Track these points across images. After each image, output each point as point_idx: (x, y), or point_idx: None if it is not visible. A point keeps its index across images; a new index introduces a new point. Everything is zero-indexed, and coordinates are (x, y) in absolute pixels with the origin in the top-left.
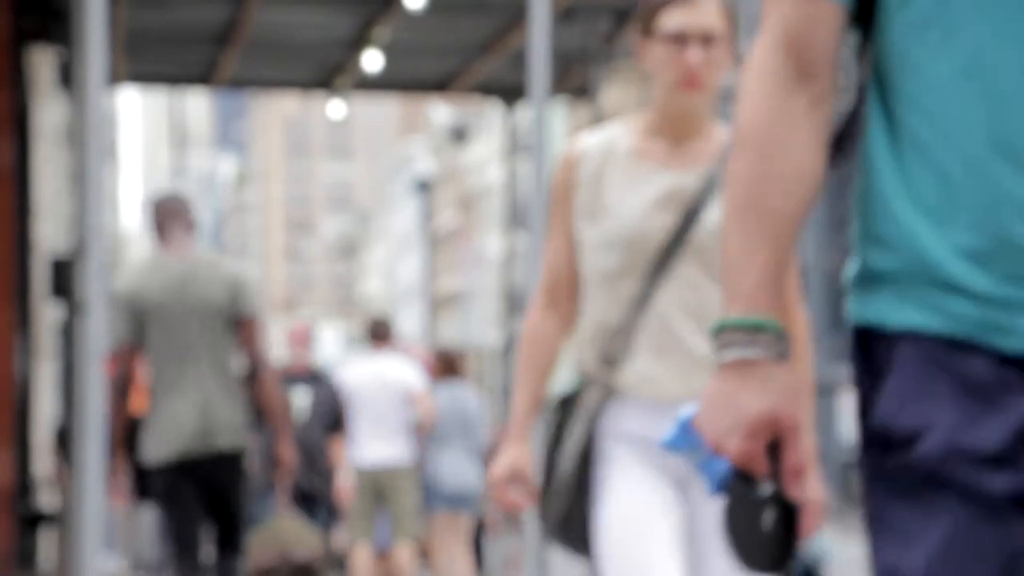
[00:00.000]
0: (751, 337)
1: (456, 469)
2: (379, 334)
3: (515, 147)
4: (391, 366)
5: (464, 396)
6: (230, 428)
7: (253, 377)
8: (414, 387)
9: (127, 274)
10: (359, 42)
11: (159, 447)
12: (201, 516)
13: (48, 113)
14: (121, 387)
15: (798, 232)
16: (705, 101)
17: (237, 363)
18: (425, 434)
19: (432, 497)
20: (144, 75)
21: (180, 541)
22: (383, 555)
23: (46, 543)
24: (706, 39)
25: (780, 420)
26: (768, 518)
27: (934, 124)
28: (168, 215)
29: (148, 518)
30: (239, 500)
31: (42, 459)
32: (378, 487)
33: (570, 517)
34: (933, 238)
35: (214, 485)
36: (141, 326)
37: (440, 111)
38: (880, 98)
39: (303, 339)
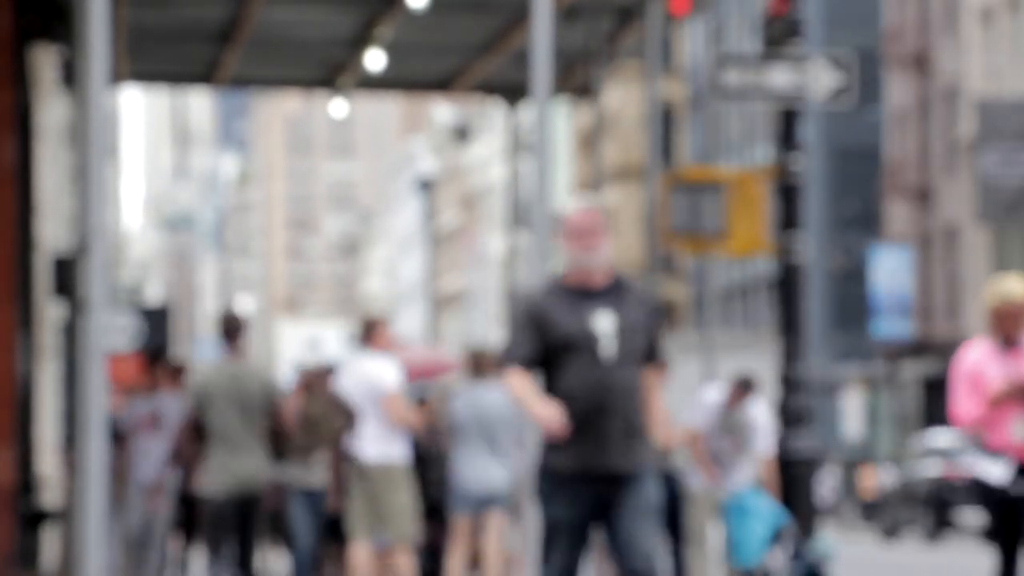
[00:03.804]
0: None
1: (479, 471)
2: (365, 333)
3: (517, 146)
4: (373, 366)
5: (487, 396)
6: (256, 478)
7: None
8: (386, 389)
9: (200, 373)
10: (361, 41)
11: (212, 485)
12: (232, 534)
13: (50, 112)
14: (183, 451)
15: None
16: None
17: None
18: (413, 435)
19: (455, 500)
20: (146, 74)
21: (214, 548)
22: (382, 555)
23: (48, 541)
24: None
25: None
26: None
27: None
28: (231, 328)
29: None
30: (255, 527)
31: (44, 457)
32: (370, 485)
33: None
34: None
35: (241, 514)
36: (205, 408)
37: (442, 110)
38: None
39: (590, 230)
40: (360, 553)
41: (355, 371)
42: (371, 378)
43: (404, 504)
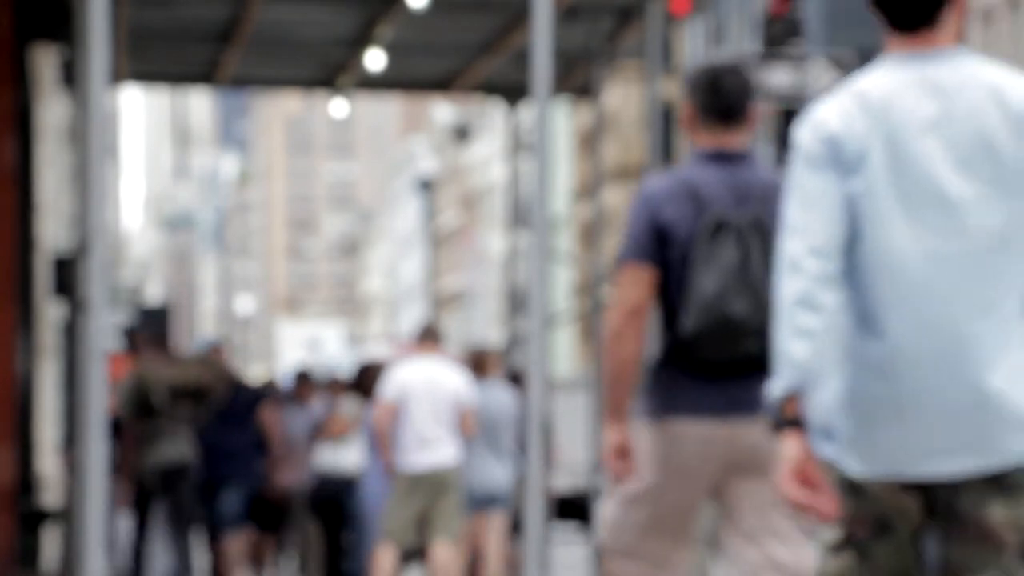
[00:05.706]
0: None
1: (483, 471)
2: (428, 338)
3: (517, 146)
4: (442, 371)
5: (488, 396)
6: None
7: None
8: (469, 403)
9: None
10: (361, 41)
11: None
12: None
13: (50, 112)
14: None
15: None
16: None
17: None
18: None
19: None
20: (146, 74)
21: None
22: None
23: (48, 541)
24: None
25: None
26: None
27: None
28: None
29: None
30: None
31: (44, 457)
32: (431, 490)
33: None
34: None
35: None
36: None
37: (442, 110)
38: None
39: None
40: (386, 558)
41: (422, 373)
42: (454, 389)
43: (455, 505)
